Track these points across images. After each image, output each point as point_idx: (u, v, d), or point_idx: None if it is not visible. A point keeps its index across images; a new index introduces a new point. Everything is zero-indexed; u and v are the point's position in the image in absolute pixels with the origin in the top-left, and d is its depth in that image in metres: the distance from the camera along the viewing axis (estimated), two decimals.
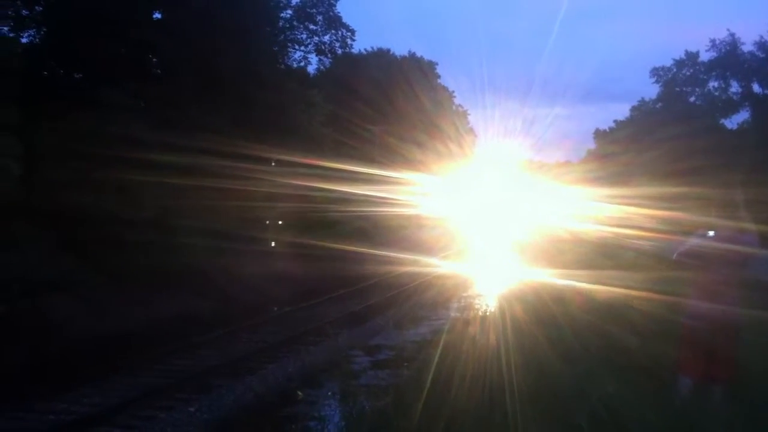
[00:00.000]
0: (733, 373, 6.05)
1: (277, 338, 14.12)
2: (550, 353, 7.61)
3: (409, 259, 25.63)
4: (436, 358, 8.09)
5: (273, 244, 24.82)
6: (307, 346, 13.73)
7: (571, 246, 22.07)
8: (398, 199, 30.83)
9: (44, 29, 21.13)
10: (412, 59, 49.51)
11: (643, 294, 9.71)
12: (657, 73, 50.84)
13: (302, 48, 34.39)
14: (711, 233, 6.22)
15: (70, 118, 17.52)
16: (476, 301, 18.07)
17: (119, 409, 9.24)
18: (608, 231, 22.52)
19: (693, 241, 6.34)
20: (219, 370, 11.49)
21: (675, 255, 6.43)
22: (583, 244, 21.51)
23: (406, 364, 11.20)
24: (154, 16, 23.53)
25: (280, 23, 31.70)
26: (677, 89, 49.86)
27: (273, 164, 23.88)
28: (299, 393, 10.46)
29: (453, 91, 57.88)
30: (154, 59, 23.68)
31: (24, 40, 20.99)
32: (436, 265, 24.87)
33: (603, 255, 18.96)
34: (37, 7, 20.97)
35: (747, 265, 6.17)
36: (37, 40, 21.19)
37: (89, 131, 16.82)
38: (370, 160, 32.08)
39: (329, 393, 10.93)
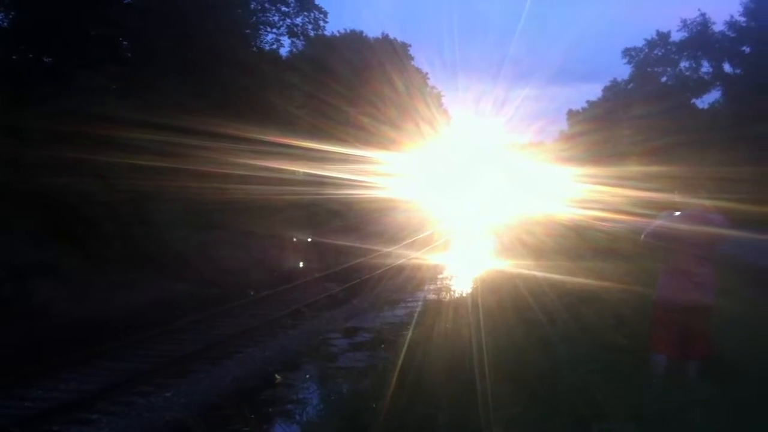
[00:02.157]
0: (708, 350, 6.18)
1: (254, 322, 14.15)
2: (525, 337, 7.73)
3: (383, 244, 25.73)
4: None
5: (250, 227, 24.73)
6: (285, 329, 13.80)
7: (543, 228, 22.19)
8: (371, 182, 30.80)
9: (13, 12, 20.83)
10: (386, 41, 49.36)
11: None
12: (629, 53, 51.22)
13: (274, 30, 34.15)
14: (677, 213, 6.32)
15: (44, 101, 17.37)
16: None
17: (99, 395, 9.27)
18: (581, 214, 22.68)
19: (660, 222, 6.43)
20: (198, 355, 11.53)
21: (643, 236, 6.53)
22: (556, 227, 21.62)
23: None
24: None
25: (252, 5, 31.42)
26: (649, 69, 50.24)
27: (245, 143, 23.71)
28: (277, 376, 10.52)
29: (427, 73, 57.92)
30: (125, 42, 23.45)
31: None
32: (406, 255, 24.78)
33: (577, 238, 19.09)
34: None
35: (714, 244, 6.30)
36: (5, 24, 20.91)
37: (64, 114, 16.67)
38: (345, 141, 32.00)
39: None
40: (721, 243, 6.33)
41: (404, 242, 27.75)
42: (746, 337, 6.91)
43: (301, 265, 23.01)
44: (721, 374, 5.99)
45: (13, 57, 20.95)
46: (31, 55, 21.47)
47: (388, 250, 24.51)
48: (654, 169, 25.00)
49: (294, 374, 11.04)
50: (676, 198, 6.37)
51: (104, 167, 17.78)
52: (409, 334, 8.72)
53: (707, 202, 6.24)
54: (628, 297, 8.84)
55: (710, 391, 5.60)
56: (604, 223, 19.39)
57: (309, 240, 26.46)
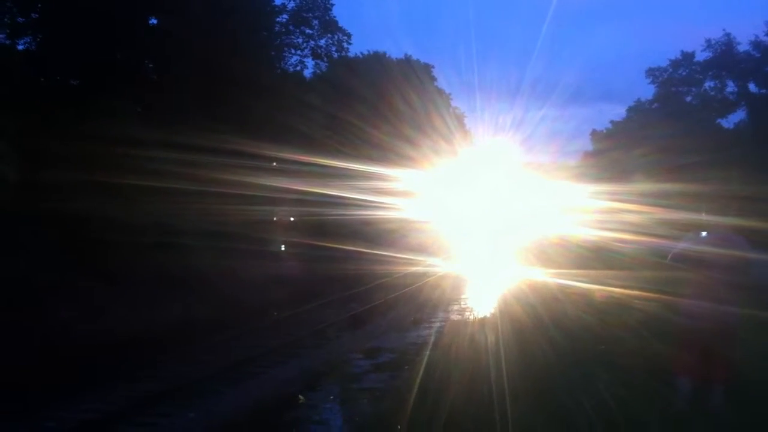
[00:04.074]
0: (732, 374, 6.06)
1: (276, 342, 14.12)
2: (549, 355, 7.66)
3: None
4: None
5: (279, 247, 24.85)
6: (307, 349, 13.76)
7: (563, 251, 22.08)
8: (388, 203, 30.65)
9: (40, 36, 21.17)
10: (408, 62, 49.44)
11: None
12: (653, 73, 50.99)
13: (298, 52, 34.49)
14: (704, 234, 6.23)
15: (69, 123, 17.58)
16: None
17: (119, 416, 9.25)
18: (603, 235, 22.49)
19: (686, 244, 6.34)
20: (218, 376, 11.50)
21: (669, 257, 6.44)
22: (577, 250, 21.50)
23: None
24: (151, 22, 23.59)
25: (276, 28, 31.76)
26: (673, 89, 49.98)
27: (274, 164, 23.85)
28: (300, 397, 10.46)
29: (450, 94, 57.87)
30: (150, 65, 23.75)
31: (20, 47, 21.08)
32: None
33: (596, 260, 18.98)
34: (33, 14, 21.02)
35: (740, 268, 6.17)
36: (33, 47, 21.24)
37: (88, 136, 16.85)
38: (365, 160, 31.97)
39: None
40: (747, 268, 6.20)
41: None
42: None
43: None
44: (743, 399, 5.89)
45: (41, 80, 21.27)
46: (58, 78, 21.79)
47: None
48: (679, 186, 24.74)
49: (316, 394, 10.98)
50: (704, 217, 6.30)
51: (126, 189, 17.94)
52: None
53: (734, 221, 6.15)
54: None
55: (732, 416, 5.52)
56: (625, 245, 19.21)
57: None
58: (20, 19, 20.78)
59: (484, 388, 6.83)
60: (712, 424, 5.53)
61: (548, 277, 17.13)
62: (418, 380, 8.18)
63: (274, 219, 24.04)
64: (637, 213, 23.68)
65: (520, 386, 6.61)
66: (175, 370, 11.82)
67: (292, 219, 25.80)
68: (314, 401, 10.29)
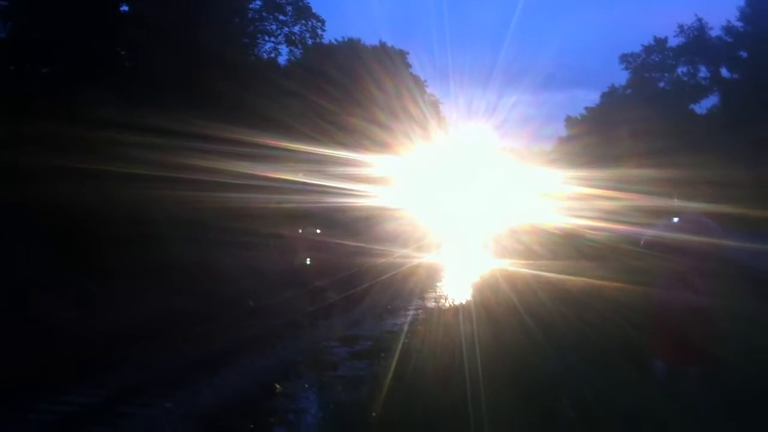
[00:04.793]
0: (707, 358, 6.14)
1: (251, 332, 14.09)
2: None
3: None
4: None
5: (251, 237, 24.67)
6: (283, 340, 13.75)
7: (536, 239, 22.25)
8: (363, 190, 30.61)
9: (10, 24, 20.81)
10: (383, 49, 49.28)
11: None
12: (626, 59, 51.40)
13: (272, 39, 34.23)
14: (675, 219, 6.28)
15: (41, 112, 17.31)
16: None
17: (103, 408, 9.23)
18: (573, 222, 22.68)
19: (658, 230, 6.40)
20: (199, 365, 11.45)
21: (642, 242, 6.50)
22: (549, 237, 21.67)
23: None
24: (121, 8, 23.25)
25: (250, 14, 31.50)
26: (646, 75, 50.41)
27: (240, 147, 23.62)
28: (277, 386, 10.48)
29: (425, 81, 57.84)
30: (123, 52, 23.45)
31: None
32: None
33: (570, 247, 19.17)
34: (1, 2, 20.65)
35: (712, 254, 6.24)
36: (3, 35, 20.88)
37: (62, 125, 16.62)
38: (340, 145, 31.87)
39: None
40: (719, 251, 6.27)
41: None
42: (745, 344, 6.89)
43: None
44: (719, 381, 5.97)
45: (11, 68, 20.91)
46: (28, 66, 21.44)
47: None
48: (652, 172, 25.01)
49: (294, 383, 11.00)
50: (676, 203, 6.35)
51: (102, 177, 17.72)
52: None
53: (705, 207, 6.21)
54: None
55: (709, 399, 5.59)
56: (597, 233, 19.37)
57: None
58: None
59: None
60: (682, 405, 5.59)
61: (519, 268, 17.18)
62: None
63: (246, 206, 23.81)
64: (610, 199, 23.93)
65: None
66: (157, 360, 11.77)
67: (268, 206, 25.62)
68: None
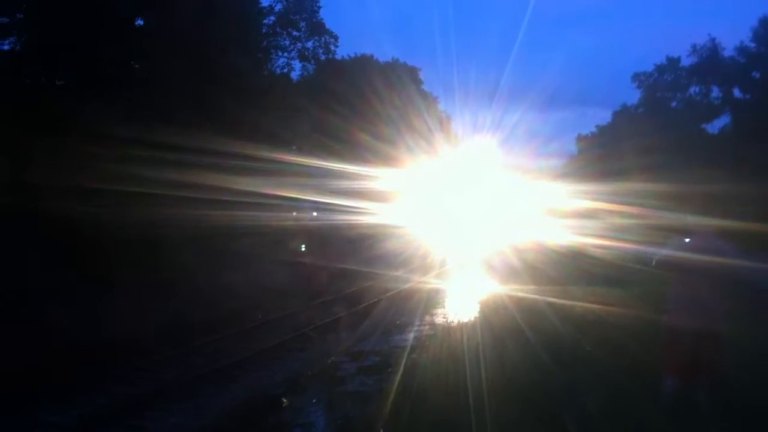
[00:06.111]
0: (718, 375, 6.08)
1: (260, 345, 14.05)
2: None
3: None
4: None
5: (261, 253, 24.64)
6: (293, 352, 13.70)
7: (538, 256, 22.08)
8: (368, 208, 30.38)
9: (25, 36, 20.99)
10: (395, 65, 49.40)
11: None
12: (638, 78, 51.33)
13: (285, 54, 34.43)
14: (687, 240, 6.23)
15: (56, 124, 17.44)
16: None
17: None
18: (579, 241, 22.55)
19: (670, 250, 6.35)
20: (207, 378, 11.42)
21: (654, 262, 6.46)
22: (561, 257, 21.50)
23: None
24: (137, 22, 23.46)
25: (264, 29, 31.70)
26: (659, 94, 50.30)
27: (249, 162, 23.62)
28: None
29: (437, 97, 57.89)
30: (136, 65, 23.61)
31: (5, 47, 20.90)
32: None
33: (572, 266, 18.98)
34: (17, 15, 20.84)
35: (726, 275, 6.17)
36: (18, 47, 21.05)
37: (74, 136, 16.72)
38: (350, 161, 31.82)
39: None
40: (732, 272, 6.20)
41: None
42: (756, 364, 6.83)
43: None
44: (728, 399, 5.91)
45: (27, 80, 21.09)
46: (43, 79, 21.62)
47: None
48: (664, 188, 24.86)
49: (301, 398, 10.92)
50: (689, 219, 6.30)
51: (113, 190, 17.80)
52: None
53: (719, 222, 6.17)
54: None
55: (717, 416, 5.54)
56: (600, 250, 19.23)
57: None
58: (4, 19, 20.59)
59: None
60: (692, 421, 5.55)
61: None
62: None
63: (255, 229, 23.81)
64: (620, 215, 23.78)
65: None
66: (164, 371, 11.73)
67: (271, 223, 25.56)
68: None
